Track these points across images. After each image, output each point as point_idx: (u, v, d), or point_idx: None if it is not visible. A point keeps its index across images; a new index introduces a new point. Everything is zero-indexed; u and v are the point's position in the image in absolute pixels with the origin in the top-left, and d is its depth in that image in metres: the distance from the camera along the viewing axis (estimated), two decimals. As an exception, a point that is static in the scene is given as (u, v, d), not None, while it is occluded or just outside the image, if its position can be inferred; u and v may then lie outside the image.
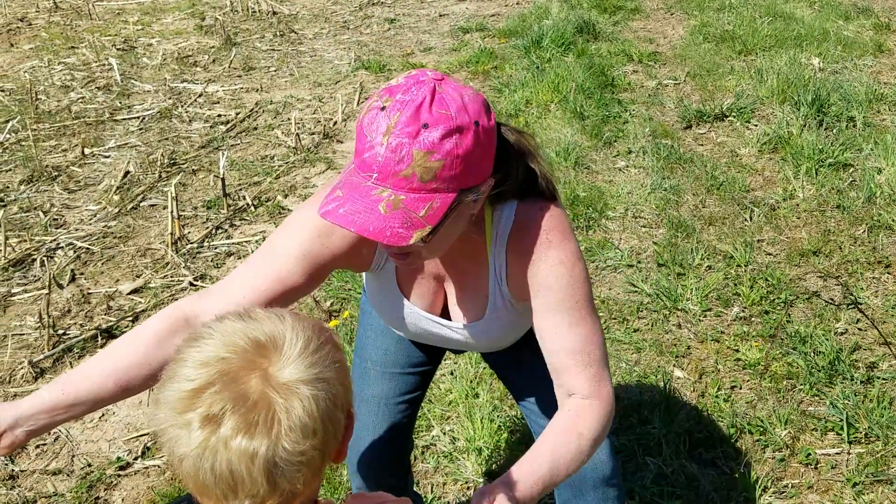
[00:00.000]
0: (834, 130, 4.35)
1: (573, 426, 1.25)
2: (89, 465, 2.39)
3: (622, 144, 4.42)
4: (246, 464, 0.75)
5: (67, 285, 3.24)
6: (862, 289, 3.04)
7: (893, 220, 3.44)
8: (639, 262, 3.32)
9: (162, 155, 4.35)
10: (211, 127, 4.86)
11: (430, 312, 1.48)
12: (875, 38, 5.84)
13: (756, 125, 4.56)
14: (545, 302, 1.30)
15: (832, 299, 2.98)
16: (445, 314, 1.48)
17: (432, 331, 1.50)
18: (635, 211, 3.72)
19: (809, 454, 2.31)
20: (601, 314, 2.98)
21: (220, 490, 0.77)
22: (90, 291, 3.21)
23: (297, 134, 4.59)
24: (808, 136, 4.22)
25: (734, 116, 4.66)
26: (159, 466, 2.37)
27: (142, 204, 3.91)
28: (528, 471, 1.21)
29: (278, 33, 6.91)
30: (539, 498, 1.21)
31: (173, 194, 3.56)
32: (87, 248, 3.51)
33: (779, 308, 2.96)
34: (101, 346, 2.89)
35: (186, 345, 0.82)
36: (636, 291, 3.11)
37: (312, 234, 1.29)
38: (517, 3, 7.47)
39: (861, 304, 2.93)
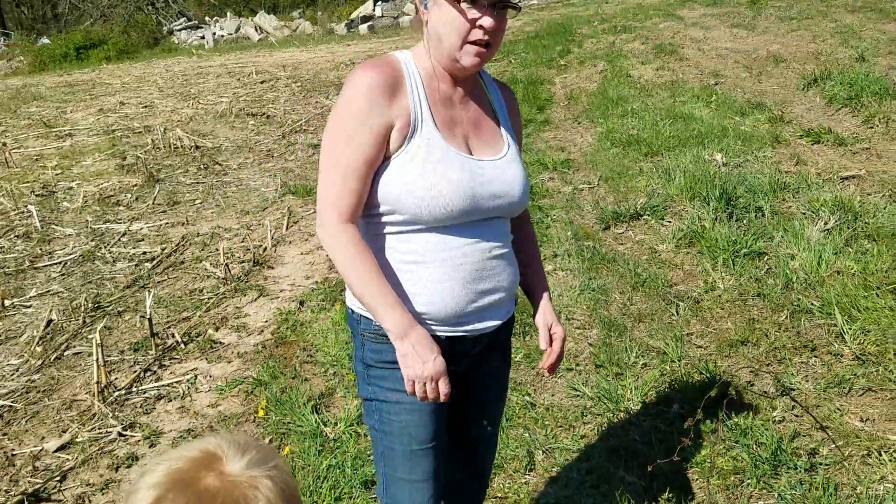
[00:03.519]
0: (744, 221, 4.57)
1: (534, 238, 1.92)
2: None
3: (547, 248, 4.54)
4: None
5: (-13, 449, 3.06)
6: (793, 374, 3.13)
7: (812, 304, 3.59)
8: (577, 364, 3.36)
9: (86, 299, 4.24)
10: (136, 265, 4.79)
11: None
12: (771, 131, 6.26)
13: (670, 222, 4.76)
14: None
15: (765, 392, 3.05)
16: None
17: (476, 172, 1.60)
18: (567, 313, 3.79)
19: (765, 550, 2.31)
20: (547, 422, 2.98)
21: None
22: (14, 453, 3.04)
23: (226, 264, 4.56)
24: (721, 228, 4.42)
25: (648, 215, 4.86)
26: None
27: (66, 353, 3.77)
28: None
29: (202, 166, 6.96)
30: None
31: (98, 341, 3.45)
32: (10, 406, 3.34)
33: (716, 402, 3.01)
34: (26, 513, 2.71)
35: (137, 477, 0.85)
36: (578, 395, 3.13)
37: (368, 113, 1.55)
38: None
39: (793, 390, 3.01)
